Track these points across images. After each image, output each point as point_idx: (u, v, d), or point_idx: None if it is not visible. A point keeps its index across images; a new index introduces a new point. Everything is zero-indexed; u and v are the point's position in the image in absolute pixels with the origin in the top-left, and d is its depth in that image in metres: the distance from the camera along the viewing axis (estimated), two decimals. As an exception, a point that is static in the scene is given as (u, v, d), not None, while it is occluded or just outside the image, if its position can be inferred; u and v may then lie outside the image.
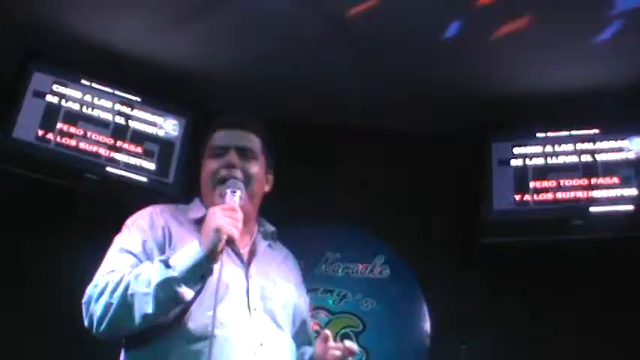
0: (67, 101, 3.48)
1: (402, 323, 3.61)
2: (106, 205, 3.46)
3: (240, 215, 1.81)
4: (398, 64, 3.45)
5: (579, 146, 3.55)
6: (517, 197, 3.53)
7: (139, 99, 3.65)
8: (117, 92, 3.61)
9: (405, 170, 3.92)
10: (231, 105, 3.79)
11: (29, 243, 3.46)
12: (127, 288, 1.74)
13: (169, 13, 3.22)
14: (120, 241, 1.93)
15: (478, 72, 3.48)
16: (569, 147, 3.56)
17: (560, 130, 3.61)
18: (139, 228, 1.93)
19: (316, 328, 3.52)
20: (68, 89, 3.50)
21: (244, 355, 1.80)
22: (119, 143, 3.54)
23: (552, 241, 3.42)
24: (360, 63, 3.46)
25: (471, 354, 3.42)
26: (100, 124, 3.52)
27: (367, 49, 3.35)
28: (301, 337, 2.10)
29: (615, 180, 3.42)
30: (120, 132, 3.56)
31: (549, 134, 3.62)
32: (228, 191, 1.89)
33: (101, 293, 1.77)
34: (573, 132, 3.59)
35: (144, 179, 3.54)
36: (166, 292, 1.71)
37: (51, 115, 3.42)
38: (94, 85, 3.56)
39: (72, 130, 3.45)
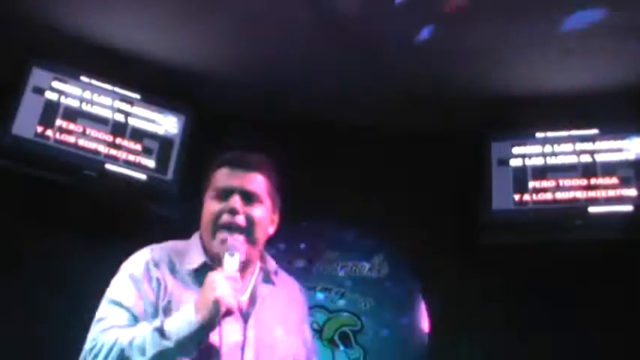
0: (66, 98, 3.48)
1: (400, 322, 3.61)
2: (105, 203, 3.47)
3: (240, 285, 1.76)
4: (397, 63, 3.44)
5: (579, 146, 3.55)
6: (516, 197, 3.53)
7: (138, 96, 3.64)
8: (116, 89, 3.61)
9: (404, 169, 3.91)
10: (231, 102, 3.80)
11: (28, 239, 3.46)
12: (120, 353, 1.70)
13: (170, 11, 3.22)
14: (114, 291, 1.87)
15: (478, 72, 3.48)
16: (569, 147, 3.56)
17: (560, 130, 3.61)
18: (133, 280, 1.86)
19: (315, 326, 3.54)
20: (68, 86, 3.50)
21: None
22: (118, 140, 3.53)
23: (551, 241, 3.42)
24: (360, 63, 3.46)
25: (470, 353, 3.43)
26: (99, 121, 3.52)
27: (366, 48, 3.35)
28: None
29: (614, 180, 3.42)
30: (119, 129, 3.55)
31: (549, 134, 3.62)
32: (227, 254, 1.81)
33: (96, 356, 1.73)
34: (573, 132, 3.59)
35: (143, 176, 3.53)
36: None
37: (50, 111, 3.42)
38: (93, 82, 3.57)
39: (71, 126, 3.45)
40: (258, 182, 1.97)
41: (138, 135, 3.59)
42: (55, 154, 3.37)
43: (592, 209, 3.39)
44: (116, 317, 1.79)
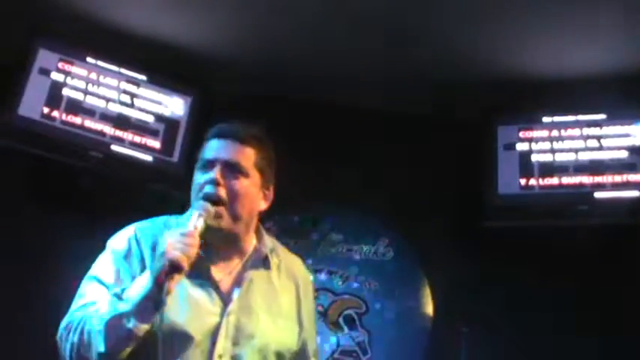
0: (72, 79, 3.47)
1: (404, 305, 3.63)
2: (110, 184, 3.47)
3: (194, 241, 1.65)
4: (402, 45, 3.43)
5: (585, 131, 3.54)
6: (522, 181, 3.52)
7: (144, 77, 3.64)
8: (122, 70, 3.60)
9: (409, 153, 3.90)
10: (236, 83, 3.79)
11: (32, 220, 3.47)
12: (85, 325, 1.66)
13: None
14: (96, 267, 1.83)
15: (484, 55, 3.47)
16: (576, 132, 3.55)
17: (567, 115, 3.60)
18: (115, 254, 1.81)
19: (319, 309, 3.55)
20: (74, 67, 3.49)
21: None
22: (124, 122, 3.53)
23: (557, 225, 3.42)
24: (365, 43, 3.44)
25: (473, 337, 3.44)
26: (105, 102, 3.52)
27: (371, 30, 3.34)
28: None
29: (621, 165, 3.41)
30: (125, 110, 3.55)
31: (555, 119, 3.61)
32: (196, 213, 1.74)
33: (68, 332, 1.69)
34: (579, 117, 3.58)
35: (149, 158, 3.54)
36: (117, 327, 1.61)
37: (56, 92, 3.42)
38: (99, 63, 3.56)
39: (77, 108, 3.44)
40: (244, 154, 1.87)
41: (144, 116, 3.59)
42: (61, 136, 3.37)
43: (598, 194, 3.39)
44: (94, 294, 1.74)
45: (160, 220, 1.93)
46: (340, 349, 3.57)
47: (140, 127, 3.56)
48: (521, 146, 3.60)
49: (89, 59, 3.54)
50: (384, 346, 3.56)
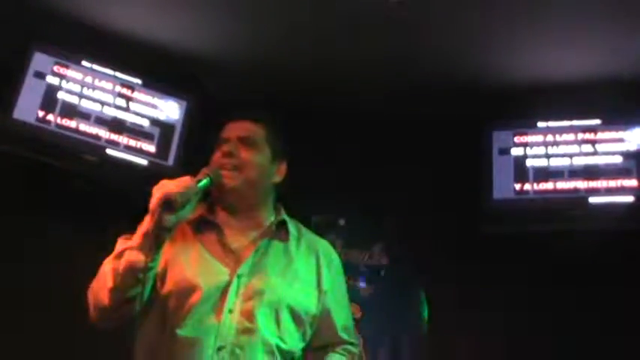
0: (67, 82, 3.47)
1: (399, 311, 3.62)
2: (105, 187, 3.47)
3: (189, 183, 1.80)
4: (398, 50, 3.43)
5: (580, 136, 3.55)
6: (517, 186, 3.53)
7: (139, 81, 3.64)
8: (118, 74, 3.60)
9: (404, 158, 3.91)
10: (233, 88, 3.79)
11: (28, 223, 3.46)
12: (101, 269, 1.83)
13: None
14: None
15: (479, 60, 3.47)
16: (570, 137, 3.56)
17: (562, 120, 3.61)
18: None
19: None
20: (69, 70, 3.49)
21: (201, 357, 1.78)
22: (119, 126, 3.53)
23: (552, 231, 3.42)
24: (363, 51, 3.45)
25: (468, 342, 3.45)
26: (100, 106, 3.51)
27: (370, 36, 3.34)
28: (321, 336, 2.02)
29: (615, 171, 3.42)
30: (120, 114, 3.55)
31: (550, 124, 3.62)
32: (203, 170, 1.91)
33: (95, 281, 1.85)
34: (574, 122, 3.59)
35: (144, 162, 3.53)
36: (121, 262, 1.75)
37: (51, 96, 3.41)
38: (95, 66, 3.56)
39: (72, 111, 3.44)
40: (253, 130, 2.07)
41: (139, 120, 3.58)
42: (56, 139, 3.37)
43: (593, 199, 3.40)
44: (121, 244, 1.87)
45: None
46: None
47: (135, 131, 3.56)
48: (516, 151, 3.61)
49: (85, 63, 3.54)
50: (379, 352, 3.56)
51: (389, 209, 3.76)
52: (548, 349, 3.43)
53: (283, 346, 1.88)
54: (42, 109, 3.37)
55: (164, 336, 1.81)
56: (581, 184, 3.45)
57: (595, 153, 3.50)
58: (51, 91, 3.41)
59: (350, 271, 3.68)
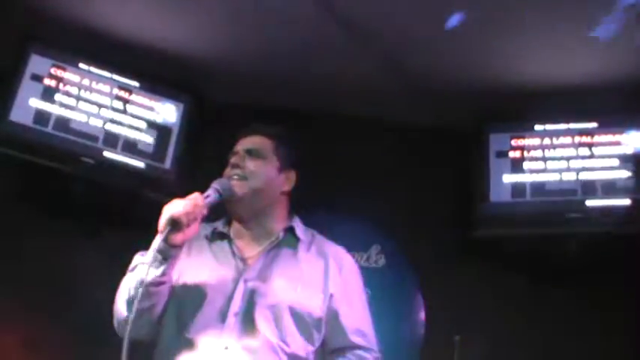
0: (64, 85, 3.46)
1: (396, 313, 3.61)
2: (103, 190, 3.47)
3: (197, 202, 1.91)
4: (396, 54, 3.44)
5: (577, 139, 3.55)
6: (514, 189, 3.52)
7: (137, 84, 3.63)
8: (115, 77, 3.59)
9: (401, 161, 3.91)
10: (230, 90, 3.79)
11: (26, 227, 3.46)
12: (126, 286, 1.94)
13: (169, -2, 3.21)
14: None
15: (477, 63, 3.47)
16: (567, 140, 3.56)
17: (559, 123, 3.61)
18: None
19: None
20: (66, 73, 3.48)
21: (207, 357, 1.87)
22: (117, 128, 3.52)
23: (549, 234, 3.42)
24: (360, 53, 3.45)
25: (465, 345, 3.44)
26: (97, 109, 3.51)
27: (366, 39, 3.34)
28: (332, 340, 2.07)
29: (612, 174, 3.42)
30: (117, 117, 3.54)
31: (547, 127, 3.62)
32: (213, 185, 2.02)
33: (119, 297, 1.98)
34: (571, 125, 3.59)
35: (141, 164, 3.53)
36: (134, 276, 1.90)
37: (48, 98, 3.41)
38: (92, 69, 3.55)
39: (69, 114, 3.43)
40: (260, 142, 2.20)
41: (136, 123, 3.58)
42: (53, 141, 3.36)
43: (589, 202, 3.40)
44: (137, 260, 2.02)
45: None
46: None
47: (132, 134, 3.55)
48: (513, 154, 3.61)
49: (82, 65, 3.53)
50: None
51: (385, 212, 3.75)
52: (546, 352, 3.43)
53: (286, 348, 1.93)
54: (39, 111, 3.37)
55: (175, 339, 1.92)
56: (578, 187, 3.45)
57: (592, 156, 3.49)
58: (48, 94, 3.41)
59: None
